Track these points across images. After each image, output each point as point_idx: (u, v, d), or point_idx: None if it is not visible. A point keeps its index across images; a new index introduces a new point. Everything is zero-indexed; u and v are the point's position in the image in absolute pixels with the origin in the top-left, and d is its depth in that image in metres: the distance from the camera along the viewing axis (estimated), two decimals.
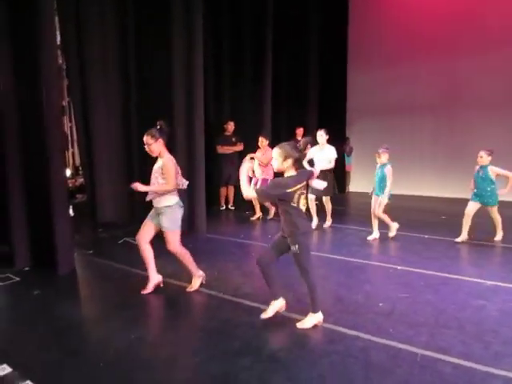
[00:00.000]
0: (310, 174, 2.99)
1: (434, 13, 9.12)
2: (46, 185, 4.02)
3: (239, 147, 7.60)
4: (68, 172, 8.30)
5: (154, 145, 3.38)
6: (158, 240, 3.54)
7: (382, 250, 4.97)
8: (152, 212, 3.53)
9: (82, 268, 4.34)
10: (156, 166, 3.45)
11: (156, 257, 3.61)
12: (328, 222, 6.12)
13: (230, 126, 7.56)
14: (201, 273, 3.66)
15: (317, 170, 5.81)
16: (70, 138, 8.99)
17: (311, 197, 5.84)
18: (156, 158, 3.49)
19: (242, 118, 7.92)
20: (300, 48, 9.44)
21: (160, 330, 2.94)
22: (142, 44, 6.16)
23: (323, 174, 5.78)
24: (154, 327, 3.02)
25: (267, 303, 3.04)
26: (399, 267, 4.23)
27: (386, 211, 5.31)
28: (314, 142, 6.07)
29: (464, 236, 5.14)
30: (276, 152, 2.80)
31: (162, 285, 3.64)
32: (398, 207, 5.71)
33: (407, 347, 2.59)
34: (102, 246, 5.12)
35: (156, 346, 2.68)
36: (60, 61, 6.21)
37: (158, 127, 3.42)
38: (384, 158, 5.22)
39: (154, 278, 3.58)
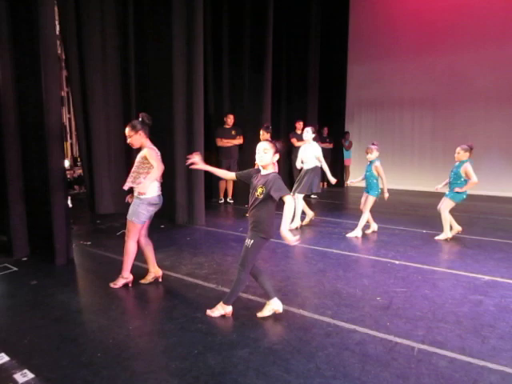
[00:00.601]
0: None
1: (435, 5, 9.08)
2: (45, 175, 4.00)
3: (239, 140, 7.59)
4: (66, 163, 8.27)
5: (135, 137, 3.36)
6: (157, 234, 3.54)
7: (381, 245, 4.98)
8: None
9: (80, 259, 4.33)
10: (137, 157, 3.41)
11: (154, 250, 3.61)
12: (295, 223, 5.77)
13: (230, 119, 7.54)
14: (128, 275, 3.52)
15: (305, 168, 5.78)
16: (68, 128, 8.95)
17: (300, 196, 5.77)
18: (139, 151, 3.44)
19: (242, 111, 7.89)
20: (300, 40, 9.39)
21: (158, 321, 2.94)
22: (141, 35, 6.13)
23: (305, 172, 5.75)
24: (152, 318, 3.02)
25: (265, 296, 3.04)
26: (397, 262, 4.24)
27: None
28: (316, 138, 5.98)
29: (456, 228, 5.18)
30: (269, 144, 2.80)
31: (160, 279, 3.64)
32: (396, 202, 5.71)
33: (404, 341, 2.60)
34: (100, 238, 5.12)
35: (154, 337, 2.69)
36: (59, 51, 6.16)
37: (140, 119, 3.40)
38: (374, 154, 5.21)
39: (155, 271, 3.61)
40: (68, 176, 7.94)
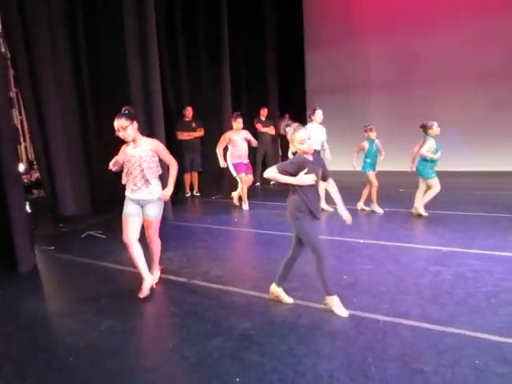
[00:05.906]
0: None
1: None
2: (0, 181, 3.85)
3: (199, 133, 7.53)
4: (22, 167, 7.93)
5: (131, 127, 3.03)
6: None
7: (346, 225, 5.10)
8: (132, 208, 3.23)
9: (44, 264, 4.21)
10: (138, 152, 3.12)
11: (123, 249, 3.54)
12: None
13: (188, 112, 7.45)
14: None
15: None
16: (20, 131, 8.56)
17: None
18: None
19: (202, 103, 7.83)
20: (256, 28, 9.41)
21: (130, 319, 2.92)
22: (91, 22, 5.91)
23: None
24: (124, 317, 2.99)
25: (236, 285, 3.10)
26: (362, 241, 4.40)
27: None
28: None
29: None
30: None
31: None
32: (357, 183, 5.89)
33: (370, 315, 2.74)
34: (64, 241, 4.98)
35: (127, 335, 2.68)
36: (3, 49, 5.84)
37: (126, 112, 3.08)
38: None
39: (149, 279, 3.32)
40: (25, 180, 7.62)
